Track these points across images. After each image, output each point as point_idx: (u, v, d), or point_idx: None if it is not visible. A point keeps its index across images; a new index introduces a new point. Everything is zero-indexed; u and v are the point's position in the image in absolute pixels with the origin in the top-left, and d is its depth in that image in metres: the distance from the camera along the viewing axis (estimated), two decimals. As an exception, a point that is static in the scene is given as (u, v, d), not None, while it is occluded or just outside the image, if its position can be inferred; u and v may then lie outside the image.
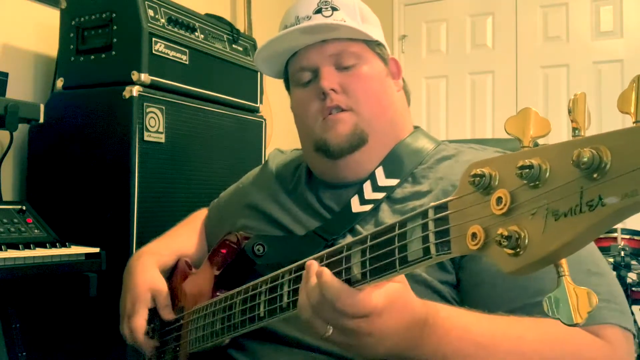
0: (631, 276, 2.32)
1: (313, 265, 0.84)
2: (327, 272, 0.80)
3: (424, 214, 0.70)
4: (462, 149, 1.22)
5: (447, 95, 4.47)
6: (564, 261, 0.55)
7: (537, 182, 0.54)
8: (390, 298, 0.78)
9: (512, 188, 0.57)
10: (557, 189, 0.53)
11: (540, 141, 0.61)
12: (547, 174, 0.54)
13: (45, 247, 1.81)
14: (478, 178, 0.60)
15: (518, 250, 0.56)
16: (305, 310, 0.83)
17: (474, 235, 0.61)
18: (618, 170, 0.48)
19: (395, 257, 0.73)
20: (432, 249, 0.68)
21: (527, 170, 0.54)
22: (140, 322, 1.27)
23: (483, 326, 0.89)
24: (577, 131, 0.53)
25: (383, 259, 0.75)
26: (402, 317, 0.79)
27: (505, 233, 0.56)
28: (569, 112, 0.54)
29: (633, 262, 2.34)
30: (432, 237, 0.68)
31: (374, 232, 0.78)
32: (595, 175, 0.50)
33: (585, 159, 0.49)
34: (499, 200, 0.58)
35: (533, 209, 0.55)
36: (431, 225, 0.69)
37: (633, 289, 2.30)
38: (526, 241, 0.55)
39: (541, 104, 4.11)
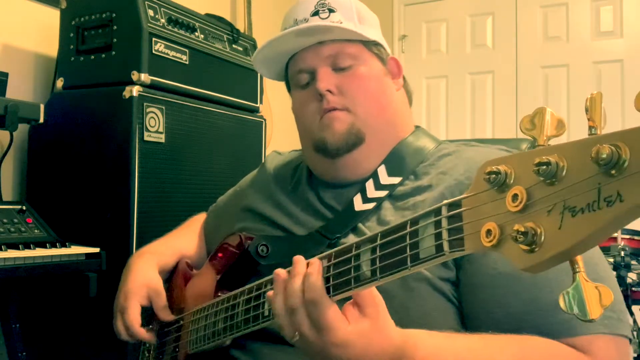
0: (631, 276, 2.32)
1: (301, 263, 0.86)
2: (319, 271, 0.83)
3: (437, 211, 0.70)
4: (463, 147, 1.23)
5: (447, 95, 4.48)
6: (579, 258, 0.56)
7: (554, 179, 0.55)
8: (353, 334, 0.81)
9: (529, 185, 0.57)
10: (575, 186, 0.53)
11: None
12: (564, 171, 0.54)
13: (45, 247, 1.81)
14: (493, 175, 0.60)
15: (534, 246, 0.56)
16: (280, 311, 0.86)
17: (488, 232, 0.61)
18: (636, 166, 0.49)
19: (406, 254, 0.73)
20: (446, 246, 0.68)
21: (545, 167, 0.54)
22: (133, 315, 1.27)
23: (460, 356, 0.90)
24: (593, 130, 0.53)
25: (394, 257, 0.75)
26: (367, 351, 0.81)
27: (522, 229, 0.56)
28: (586, 110, 0.54)
29: (633, 262, 2.34)
30: (445, 234, 0.68)
31: (384, 230, 0.79)
32: (613, 172, 0.50)
33: (604, 155, 0.49)
34: (515, 197, 0.58)
35: (549, 205, 0.55)
36: (444, 223, 0.69)
37: (633, 289, 2.30)
38: (542, 238, 0.55)
39: (541, 104, 4.08)
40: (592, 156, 0.50)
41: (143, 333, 1.27)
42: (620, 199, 0.49)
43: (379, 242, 0.79)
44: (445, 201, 0.70)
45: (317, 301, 0.81)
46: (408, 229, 0.74)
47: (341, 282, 0.82)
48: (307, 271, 0.84)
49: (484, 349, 0.91)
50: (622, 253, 2.36)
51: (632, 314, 2.25)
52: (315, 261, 0.85)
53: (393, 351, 0.83)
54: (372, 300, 0.82)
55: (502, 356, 0.91)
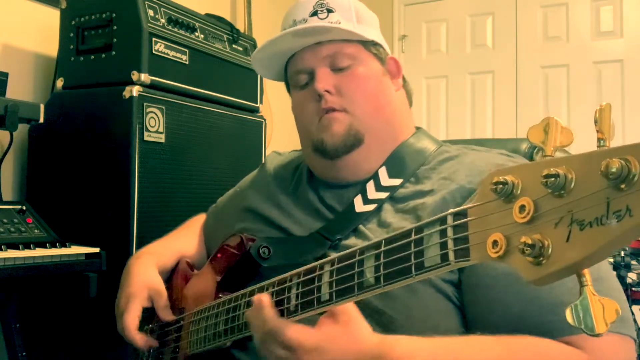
0: (631, 276, 2.31)
1: (258, 298, 0.93)
2: (265, 304, 0.90)
3: (443, 219, 0.70)
4: (464, 150, 1.22)
5: (447, 95, 4.47)
6: (586, 271, 0.55)
7: (562, 192, 0.54)
8: (323, 338, 0.86)
9: (536, 197, 0.57)
10: (583, 199, 0.52)
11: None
12: (573, 183, 0.54)
13: (45, 247, 1.81)
14: (500, 185, 0.60)
15: (541, 259, 0.56)
16: (255, 333, 0.94)
17: (495, 242, 0.60)
18: (646, 181, 0.48)
19: (411, 263, 0.73)
20: (451, 256, 0.68)
21: (553, 179, 0.54)
22: (131, 319, 1.25)
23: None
24: (602, 142, 0.53)
25: (398, 264, 0.75)
26: (344, 354, 0.86)
27: (529, 241, 0.56)
28: (595, 122, 0.53)
29: (633, 262, 2.33)
30: (450, 244, 0.68)
31: (389, 237, 0.78)
32: (622, 186, 0.49)
33: (614, 169, 0.49)
34: (522, 208, 0.58)
35: (557, 218, 0.55)
36: (450, 232, 0.68)
37: (633, 289, 2.29)
38: (549, 250, 0.55)
39: (541, 104, 4.12)
40: (602, 170, 0.50)
41: (137, 339, 1.25)
42: (629, 214, 0.48)
43: (383, 248, 0.79)
44: (451, 210, 0.69)
45: (274, 330, 0.87)
46: (413, 237, 0.74)
47: (344, 288, 0.82)
48: (256, 306, 0.91)
49: (464, 350, 0.92)
50: (622, 253, 2.35)
51: (632, 314, 2.24)
52: (263, 298, 0.91)
53: (369, 352, 0.86)
54: (342, 307, 0.86)
55: (484, 356, 0.91)
